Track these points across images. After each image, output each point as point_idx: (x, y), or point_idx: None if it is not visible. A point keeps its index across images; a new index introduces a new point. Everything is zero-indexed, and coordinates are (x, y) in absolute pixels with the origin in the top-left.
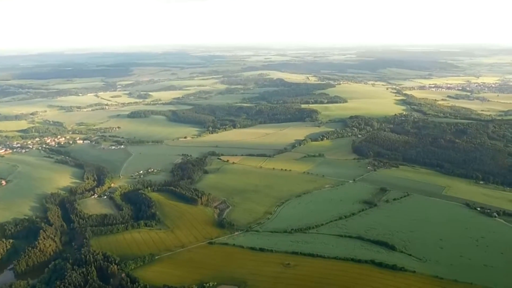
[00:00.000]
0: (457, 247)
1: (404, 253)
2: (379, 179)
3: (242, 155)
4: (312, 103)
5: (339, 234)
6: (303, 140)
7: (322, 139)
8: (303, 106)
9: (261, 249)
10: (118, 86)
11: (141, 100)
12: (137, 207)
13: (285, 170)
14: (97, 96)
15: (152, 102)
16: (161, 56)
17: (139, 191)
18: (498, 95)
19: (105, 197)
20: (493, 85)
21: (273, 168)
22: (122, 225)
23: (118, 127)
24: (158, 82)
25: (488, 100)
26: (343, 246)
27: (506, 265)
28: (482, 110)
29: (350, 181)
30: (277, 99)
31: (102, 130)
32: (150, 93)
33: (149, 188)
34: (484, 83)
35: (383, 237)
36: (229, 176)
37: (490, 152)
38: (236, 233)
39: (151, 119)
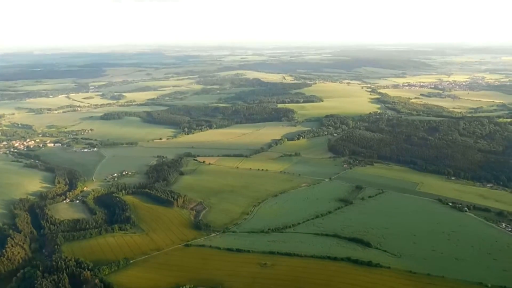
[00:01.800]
0: (430, 242)
1: (379, 249)
2: (354, 177)
3: (218, 155)
4: (288, 103)
5: (315, 232)
6: (280, 139)
7: (298, 138)
8: (279, 105)
9: (238, 250)
10: (91, 87)
11: (114, 101)
12: (111, 211)
13: (262, 170)
14: (69, 98)
15: (126, 103)
16: (135, 56)
17: (113, 194)
18: (468, 93)
19: (78, 201)
20: (463, 83)
21: (250, 168)
22: (96, 230)
23: (91, 129)
24: (132, 82)
25: (459, 98)
26: (320, 244)
27: (475, 258)
28: (453, 108)
29: (326, 180)
30: (254, 99)
31: (74, 133)
32: (124, 94)
33: (123, 191)
34: (455, 81)
35: (358, 234)
36: (205, 177)
37: (461, 148)
38: (213, 234)
39: (125, 120)
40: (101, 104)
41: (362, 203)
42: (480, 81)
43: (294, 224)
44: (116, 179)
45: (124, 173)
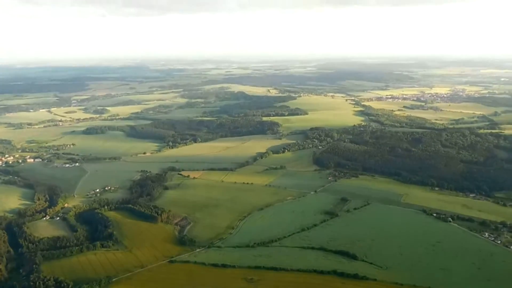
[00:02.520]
0: (416, 253)
1: (366, 261)
2: (340, 189)
3: (203, 169)
4: (273, 116)
5: (301, 246)
6: (265, 152)
7: (283, 151)
8: (264, 118)
9: (224, 265)
10: (73, 101)
11: (97, 115)
12: (93, 228)
13: (247, 183)
14: (50, 112)
15: (109, 118)
16: (119, 70)
17: (95, 211)
18: (449, 105)
19: (58, 218)
20: (445, 95)
21: (235, 182)
22: (77, 247)
23: (73, 144)
24: (115, 96)
25: (441, 110)
26: (306, 258)
27: (460, 267)
28: (435, 119)
29: (312, 192)
30: (238, 112)
31: (55, 148)
32: (107, 108)
33: (106, 207)
34: (437, 93)
35: (344, 246)
36: (190, 191)
37: (443, 159)
38: (198, 250)
39: (108, 135)
40: (84, 119)
41: (347, 216)
42: (461, 93)
43: (280, 237)
44: (98, 194)
45: (106, 188)
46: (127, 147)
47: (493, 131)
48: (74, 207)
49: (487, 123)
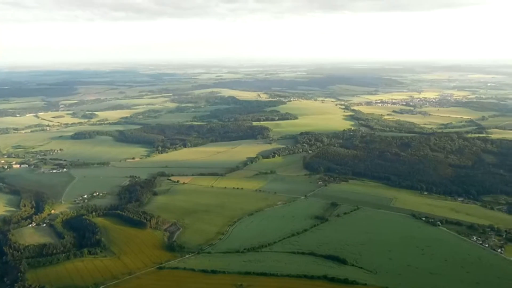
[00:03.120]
0: (405, 257)
1: (356, 266)
2: (330, 194)
3: (193, 174)
4: (264, 120)
5: (291, 251)
6: (255, 157)
7: (273, 156)
8: (254, 123)
9: (213, 271)
10: (61, 106)
11: (86, 120)
12: (81, 234)
13: (237, 188)
14: (37, 117)
15: (98, 122)
16: (109, 74)
17: (83, 217)
18: (438, 109)
19: (44, 225)
20: (433, 100)
21: (225, 187)
22: (63, 255)
23: (60, 149)
24: (105, 101)
25: (430, 114)
26: (296, 263)
27: (449, 271)
28: (424, 124)
29: (302, 197)
30: (229, 116)
31: (42, 153)
32: (96, 112)
33: (94, 213)
34: (426, 98)
35: (334, 251)
36: (179, 197)
37: (432, 163)
38: (187, 256)
39: (96, 139)
40: (72, 123)
41: (337, 220)
42: (449, 98)
43: (270, 243)
44: (86, 200)
45: (95, 194)
46: (116, 152)
47: (481, 135)
48: (61, 214)
49: (475, 127)
